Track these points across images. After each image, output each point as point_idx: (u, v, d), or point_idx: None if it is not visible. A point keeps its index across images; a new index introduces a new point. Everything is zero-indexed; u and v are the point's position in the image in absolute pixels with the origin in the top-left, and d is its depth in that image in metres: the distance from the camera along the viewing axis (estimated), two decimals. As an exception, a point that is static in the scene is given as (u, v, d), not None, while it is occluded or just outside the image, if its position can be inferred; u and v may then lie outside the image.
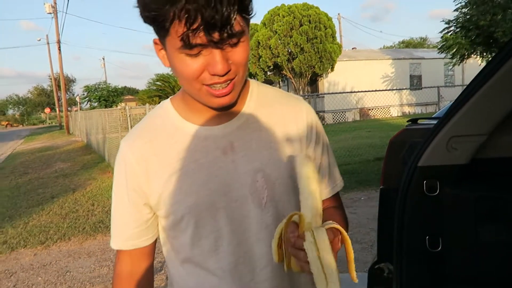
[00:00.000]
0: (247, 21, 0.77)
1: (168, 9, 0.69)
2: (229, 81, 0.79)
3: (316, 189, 0.76)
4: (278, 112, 0.95)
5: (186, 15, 0.69)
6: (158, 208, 0.90)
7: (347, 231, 0.99)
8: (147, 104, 7.48)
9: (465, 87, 1.46)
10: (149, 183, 0.89)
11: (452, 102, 1.50)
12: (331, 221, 0.78)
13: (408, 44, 52.17)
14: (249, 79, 0.96)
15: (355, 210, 5.27)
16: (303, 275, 0.84)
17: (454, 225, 1.43)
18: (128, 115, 8.16)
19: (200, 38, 0.71)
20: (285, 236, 0.77)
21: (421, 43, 52.38)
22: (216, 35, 0.71)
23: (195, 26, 0.69)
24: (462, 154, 1.40)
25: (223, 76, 0.76)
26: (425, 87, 14.49)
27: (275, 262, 0.82)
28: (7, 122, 65.48)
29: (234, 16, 0.71)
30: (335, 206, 1.04)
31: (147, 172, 0.89)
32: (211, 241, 0.89)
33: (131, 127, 8.31)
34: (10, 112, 74.64)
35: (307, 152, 0.96)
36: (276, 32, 19.62)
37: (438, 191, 1.42)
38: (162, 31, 0.75)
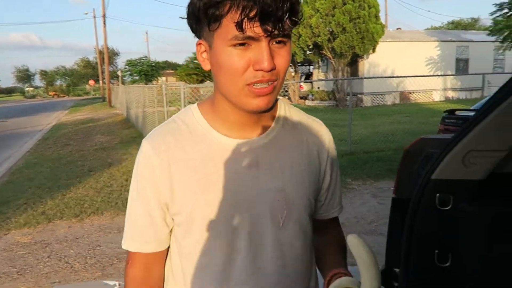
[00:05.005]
0: (292, 27, 0.78)
1: None
2: (271, 82, 0.78)
3: (378, 273, 0.77)
4: (302, 134, 0.96)
5: (245, 3, 0.71)
6: (177, 214, 0.88)
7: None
8: (182, 83, 7.56)
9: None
10: (171, 190, 0.87)
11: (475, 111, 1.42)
12: None
13: (457, 25, 49.67)
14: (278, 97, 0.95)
15: (383, 200, 5.17)
16: None
17: (465, 241, 1.37)
18: (164, 93, 8.28)
19: (253, 29, 0.72)
20: None
21: (472, 24, 49.72)
22: (269, 27, 0.72)
23: (252, 14, 0.71)
24: (480, 169, 1.33)
25: (268, 72, 0.76)
26: (470, 74, 13.73)
27: None
28: (54, 93, 68.27)
29: (287, 14, 0.73)
30: (334, 232, 1.07)
31: (171, 179, 0.87)
32: (225, 254, 0.88)
33: (167, 103, 8.44)
34: (58, 82, 77.58)
35: (324, 176, 0.98)
36: (318, 10, 19.13)
37: (451, 205, 1.36)
38: (213, 24, 0.76)
